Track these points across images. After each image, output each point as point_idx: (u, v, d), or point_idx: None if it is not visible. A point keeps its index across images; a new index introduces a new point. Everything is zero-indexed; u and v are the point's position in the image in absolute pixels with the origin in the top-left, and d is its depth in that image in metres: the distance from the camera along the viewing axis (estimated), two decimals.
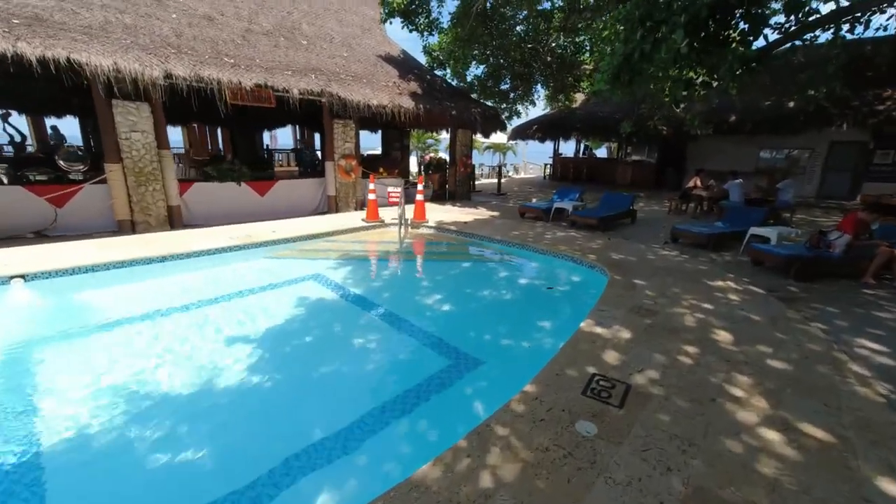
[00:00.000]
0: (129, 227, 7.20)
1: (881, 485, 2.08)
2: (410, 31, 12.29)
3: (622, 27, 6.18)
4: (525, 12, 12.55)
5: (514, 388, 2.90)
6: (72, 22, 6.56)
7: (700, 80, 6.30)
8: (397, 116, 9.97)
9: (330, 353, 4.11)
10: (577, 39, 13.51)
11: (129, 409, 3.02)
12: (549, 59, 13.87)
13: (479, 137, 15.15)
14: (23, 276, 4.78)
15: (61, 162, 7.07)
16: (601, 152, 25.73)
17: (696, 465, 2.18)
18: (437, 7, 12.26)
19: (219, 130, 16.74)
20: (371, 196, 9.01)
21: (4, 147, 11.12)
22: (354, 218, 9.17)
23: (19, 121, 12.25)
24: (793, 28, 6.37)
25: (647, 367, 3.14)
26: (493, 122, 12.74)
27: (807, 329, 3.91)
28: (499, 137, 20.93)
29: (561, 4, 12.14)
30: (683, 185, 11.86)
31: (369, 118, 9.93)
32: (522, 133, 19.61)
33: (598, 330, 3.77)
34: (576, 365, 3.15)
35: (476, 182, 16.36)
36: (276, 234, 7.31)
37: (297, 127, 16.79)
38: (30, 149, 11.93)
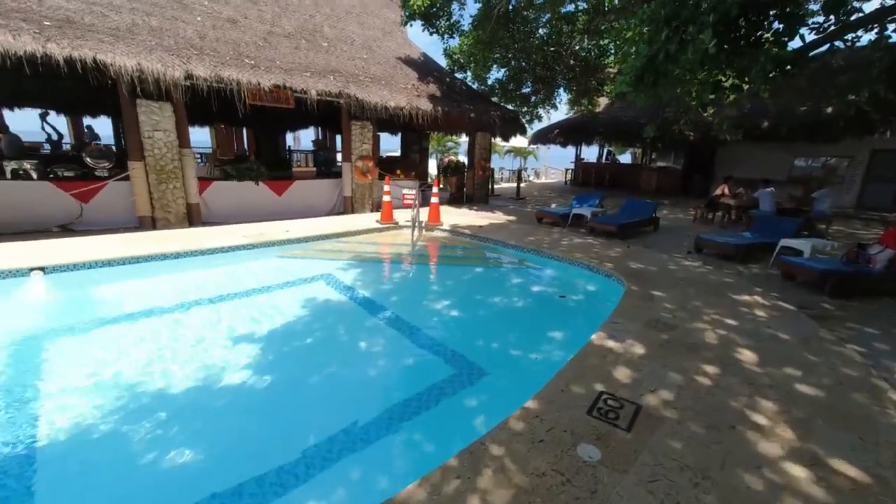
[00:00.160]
0: (149, 223, 7.37)
1: None
2: (431, 33, 12.25)
3: (646, 28, 5.95)
4: (548, 15, 12.35)
5: (517, 403, 2.74)
6: (100, 24, 6.78)
7: (729, 82, 5.98)
8: (415, 118, 9.93)
9: (330, 356, 4.04)
10: (601, 42, 13.21)
11: (127, 404, 3.01)
12: (572, 62, 13.60)
13: (499, 141, 14.99)
14: (42, 269, 4.91)
15: (88, 159, 7.31)
16: (625, 158, 25.09)
17: (709, 501, 1.98)
18: (459, 10, 12.20)
19: (244, 131, 17.13)
20: (386, 198, 8.98)
21: (43, 145, 11.65)
22: (369, 219, 9.15)
23: (58, 120, 12.88)
24: (833, 28, 5.98)
25: (661, 387, 2.92)
26: (512, 126, 12.56)
27: (842, 351, 3.59)
28: (519, 141, 20.70)
29: (585, 7, 11.89)
30: (710, 193, 11.37)
31: (387, 120, 9.92)
32: (543, 137, 19.31)
33: (610, 344, 3.56)
34: (583, 381, 2.96)
35: (495, 186, 16.18)
36: (288, 233, 7.34)
37: (319, 129, 17.01)
38: (66, 147, 12.48)
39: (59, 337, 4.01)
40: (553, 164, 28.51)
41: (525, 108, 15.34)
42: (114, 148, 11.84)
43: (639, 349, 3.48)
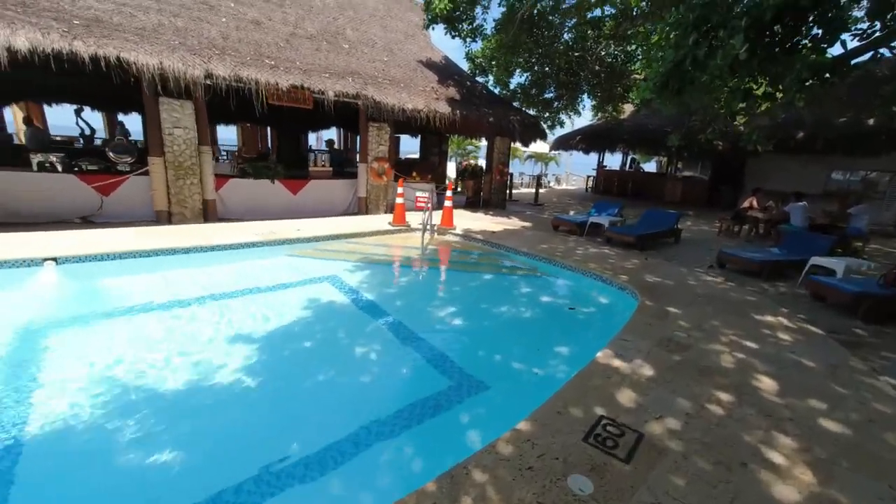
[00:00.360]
0: (166, 217, 7.51)
1: None
2: (453, 37, 12.17)
3: (673, 32, 5.69)
4: (574, 20, 12.10)
5: (512, 422, 2.59)
6: (127, 24, 6.97)
7: (761, 90, 5.65)
8: (432, 121, 9.85)
9: (325, 360, 3.96)
10: (628, 48, 12.86)
11: (123, 398, 3.00)
12: (597, 67, 13.30)
13: (519, 146, 14.77)
14: (55, 259, 5.03)
15: (110, 153, 7.51)
16: (650, 166, 24.42)
17: None
18: (482, 13, 12.10)
19: (268, 130, 17.47)
20: (399, 200, 8.92)
21: (77, 139, 12.13)
22: (381, 221, 9.11)
23: (94, 116, 13.42)
24: (878, 34, 5.58)
25: (667, 415, 2.71)
26: (532, 131, 12.35)
27: (874, 383, 3.28)
28: (540, 147, 20.39)
29: (612, 12, 11.59)
30: (738, 205, 10.87)
31: (405, 122, 9.89)
32: (565, 143, 18.97)
33: (617, 363, 3.35)
34: (582, 403, 2.78)
35: (514, 191, 15.94)
36: (299, 232, 7.36)
37: (340, 129, 17.17)
38: (98, 141, 12.97)
39: (63, 327, 4.06)
40: (575, 171, 28.03)
41: (547, 114, 15.10)
42: (139, 144, 12.23)
43: (647, 370, 3.26)
